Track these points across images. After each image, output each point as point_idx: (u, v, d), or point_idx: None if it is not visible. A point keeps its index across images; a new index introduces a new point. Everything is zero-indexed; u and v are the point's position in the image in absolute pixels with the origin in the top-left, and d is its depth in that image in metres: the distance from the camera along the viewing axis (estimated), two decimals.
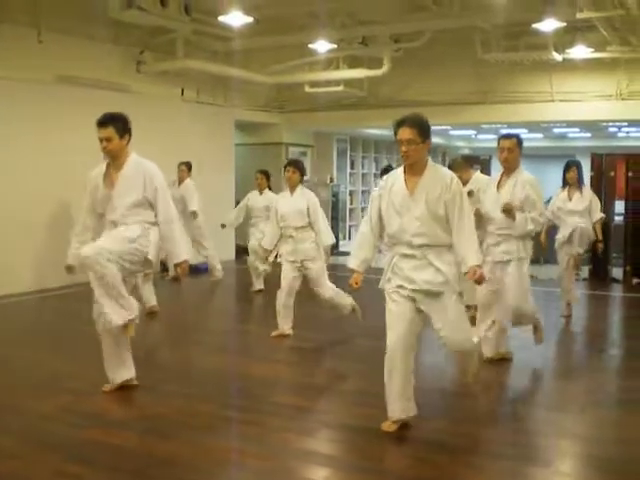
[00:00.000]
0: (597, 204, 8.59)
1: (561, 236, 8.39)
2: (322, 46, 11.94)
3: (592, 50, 11.37)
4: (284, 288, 7.40)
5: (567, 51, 11.54)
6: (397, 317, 4.56)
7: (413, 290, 4.54)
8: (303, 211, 7.40)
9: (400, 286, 4.58)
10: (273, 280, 10.36)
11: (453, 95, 13.27)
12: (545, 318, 7.95)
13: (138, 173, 5.31)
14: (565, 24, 10.35)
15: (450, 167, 7.10)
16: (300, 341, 7.28)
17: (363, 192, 18.75)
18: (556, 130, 20.17)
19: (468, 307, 8.20)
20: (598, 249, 8.92)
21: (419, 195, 4.50)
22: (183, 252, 5.37)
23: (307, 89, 13.74)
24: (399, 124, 4.53)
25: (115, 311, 5.13)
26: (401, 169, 4.67)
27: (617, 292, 9.76)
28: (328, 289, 7.45)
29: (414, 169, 4.56)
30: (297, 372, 6.37)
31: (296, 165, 7.60)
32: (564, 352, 6.83)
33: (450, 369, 5.98)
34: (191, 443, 4.50)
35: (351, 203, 17.97)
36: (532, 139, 21.11)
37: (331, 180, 16.62)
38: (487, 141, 22.63)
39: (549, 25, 10.25)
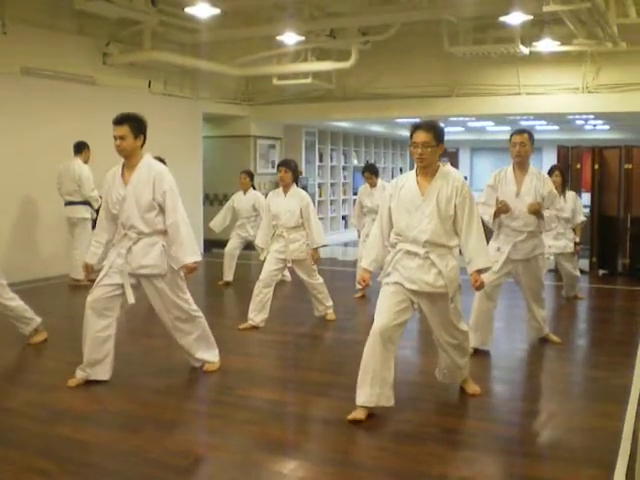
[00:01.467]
0: (580, 208, 8.97)
1: (551, 243, 8.68)
2: (290, 38, 11.91)
3: (559, 43, 11.46)
4: (263, 280, 7.41)
5: (534, 44, 11.61)
6: (388, 305, 4.69)
7: (412, 291, 4.70)
8: (296, 211, 7.44)
9: (398, 283, 4.72)
10: (241, 274, 10.40)
11: (421, 88, 13.34)
12: (513, 310, 8.04)
13: (149, 175, 5.34)
14: (532, 17, 10.42)
15: None
16: (268, 334, 7.26)
17: (332, 185, 18.76)
18: (523, 123, 20.30)
19: None
20: (577, 251, 9.08)
21: (430, 195, 4.68)
22: (188, 254, 5.36)
23: (275, 81, 13.70)
24: (416, 128, 4.74)
25: None
26: (413, 171, 4.85)
27: (584, 283, 9.84)
28: (318, 278, 7.71)
29: (427, 171, 4.74)
30: (265, 365, 6.35)
31: (288, 165, 7.60)
32: (531, 344, 6.87)
33: (417, 360, 6.00)
34: (158, 437, 4.48)
35: (320, 196, 17.96)
36: (499, 132, 21.26)
37: (300, 173, 16.57)
38: (454, 134, 22.79)
39: (516, 18, 10.31)
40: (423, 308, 4.81)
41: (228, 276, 10.19)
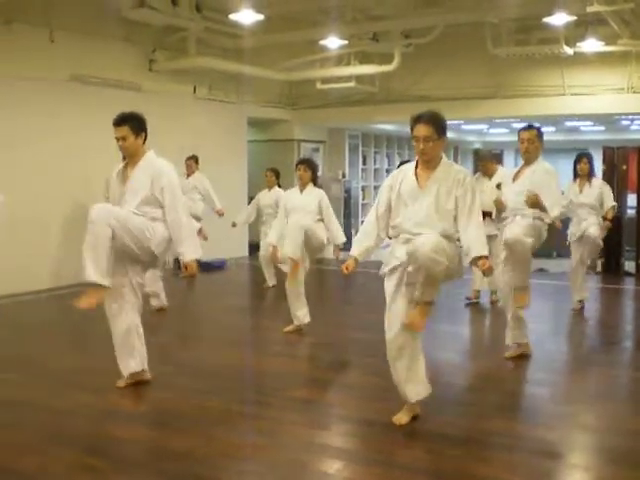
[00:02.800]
0: (609, 193, 8.48)
1: (575, 230, 8.35)
2: (333, 42, 11.98)
3: (603, 43, 11.35)
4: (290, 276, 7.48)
5: (578, 45, 11.53)
6: (391, 297, 4.61)
7: (399, 265, 4.57)
8: (312, 209, 7.45)
9: (393, 267, 4.61)
10: (284, 276, 10.48)
11: (464, 90, 13.28)
12: (557, 312, 8.01)
13: (148, 170, 5.39)
14: (576, 18, 10.35)
15: (476, 156, 7.18)
16: (311, 336, 7.33)
17: (375, 187, 18.72)
18: (568, 123, 20.12)
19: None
20: (605, 226, 8.44)
21: (429, 188, 4.53)
22: (189, 252, 5.40)
23: (319, 85, 13.78)
24: (416, 120, 4.55)
25: (93, 269, 5.13)
26: (413, 164, 4.71)
27: (630, 285, 9.76)
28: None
29: (428, 165, 4.59)
30: (309, 366, 6.43)
31: (307, 163, 7.66)
32: (576, 345, 6.85)
33: (461, 364, 6.02)
34: (205, 437, 4.56)
35: (363, 199, 17.98)
36: (544, 133, 21.08)
37: (343, 176, 16.64)
38: (498, 135, 22.64)
39: (560, 19, 10.25)
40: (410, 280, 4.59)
41: (270, 281, 10.23)
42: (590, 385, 5.87)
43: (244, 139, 14.43)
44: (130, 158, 5.50)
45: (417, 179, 4.60)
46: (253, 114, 14.48)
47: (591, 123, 20.25)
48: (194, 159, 11.09)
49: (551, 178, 6.12)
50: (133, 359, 5.53)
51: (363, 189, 18.09)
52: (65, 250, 9.99)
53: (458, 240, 4.57)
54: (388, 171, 19.24)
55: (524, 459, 4.25)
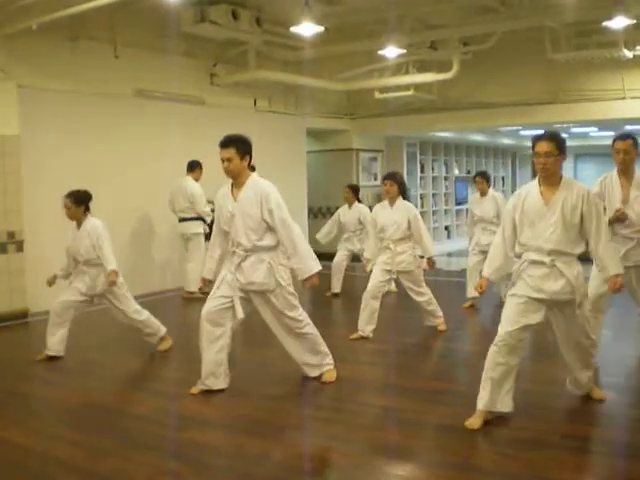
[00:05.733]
0: None
1: None
2: (391, 52, 12.02)
3: None
4: (370, 291, 7.51)
5: (638, 48, 11.40)
6: (514, 313, 4.76)
7: (539, 300, 4.75)
8: (402, 224, 7.52)
9: (524, 294, 4.78)
10: (348, 285, 10.57)
11: (523, 95, 13.22)
12: (622, 318, 7.92)
13: (256, 193, 5.53)
14: (635, 21, 10.24)
15: None
16: (379, 343, 7.38)
17: (434, 195, 18.73)
18: (628, 127, 19.85)
19: None
20: None
21: (555, 204, 4.73)
22: (309, 267, 5.55)
23: (377, 95, 13.83)
24: (538, 138, 4.81)
25: None
26: (535, 182, 4.90)
27: None
28: (424, 294, 7.69)
29: (549, 181, 4.80)
30: (379, 373, 6.48)
31: (393, 178, 7.72)
32: None
33: (532, 368, 6.01)
34: (282, 442, 4.67)
35: (422, 206, 17.94)
36: (603, 137, 20.83)
37: (408, 189, 16.62)
38: None
39: (619, 22, 10.15)
40: (550, 317, 4.85)
41: (336, 288, 10.41)
42: None
43: (303, 150, 14.58)
44: (234, 180, 5.63)
45: (542, 196, 4.79)
46: (312, 125, 14.61)
47: None
48: (251, 169, 11.24)
49: None
50: (219, 376, 5.68)
51: (422, 197, 18.06)
52: (131, 261, 10.19)
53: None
54: (446, 179, 19.26)
55: (599, 461, 4.26)
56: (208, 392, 5.65)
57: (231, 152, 5.50)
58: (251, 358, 6.84)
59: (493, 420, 4.78)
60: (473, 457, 4.40)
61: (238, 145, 5.54)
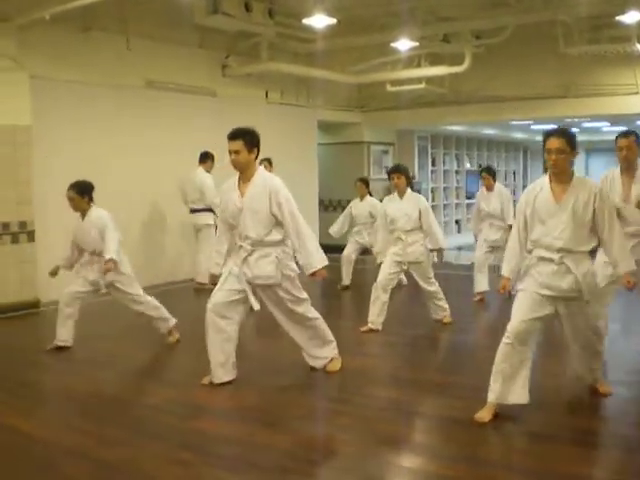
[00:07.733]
0: None
1: None
2: (403, 44, 12.00)
3: None
4: (380, 282, 7.52)
5: None
6: (522, 309, 4.76)
7: (547, 296, 4.74)
8: (413, 214, 7.53)
9: (532, 290, 4.77)
10: (358, 277, 10.57)
11: (535, 89, 13.19)
12: (630, 312, 7.89)
13: (265, 188, 5.52)
14: None
15: None
16: (389, 335, 7.38)
17: (445, 189, 18.73)
18: None
19: None
20: None
21: (566, 202, 4.70)
22: (316, 261, 5.54)
23: (389, 88, 13.79)
24: (549, 134, 4.77)
25: None
26: (546, 178, 4.86)
27: None
28: (433, 284, 7.70)
29: (560, 178, 4.76)
30: (387, 365, 6.49)
31: (400, 170, 7.72)
32: None
33: (542, 361, 6.01)
34: (291, 431, 4.68)
35: (433, 200, 17.93)
36: (615, 132, 20.68)
37: (413, 177, 16.62)
38: None
39: (632, 17, 10.11)
40: (559, 309, 4.81)
41: (346, 280, 10.42)
42: None
43: (314, 142, 14.57)
44: (242, 173, 5.61)
45: (553, 192, 4.76)
46: (323, 117, 14.61)
47: None
48: (268, 161, 11.27)
49: None
50: (226, 367, 5.69)
51: (433, 191, 18.05)
52: (140, 252, 10.22)
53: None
54: (457, 172, 19.24)
55: (610, 455, 4.26)
56: (219, 383, 5.67)
57: (239, 144, 5.49)
58: (260, 349, 6.86)
59: (502, 414, 4.77)
60: (483, 450, 4.39)
61: (246, 138, 5.52)
